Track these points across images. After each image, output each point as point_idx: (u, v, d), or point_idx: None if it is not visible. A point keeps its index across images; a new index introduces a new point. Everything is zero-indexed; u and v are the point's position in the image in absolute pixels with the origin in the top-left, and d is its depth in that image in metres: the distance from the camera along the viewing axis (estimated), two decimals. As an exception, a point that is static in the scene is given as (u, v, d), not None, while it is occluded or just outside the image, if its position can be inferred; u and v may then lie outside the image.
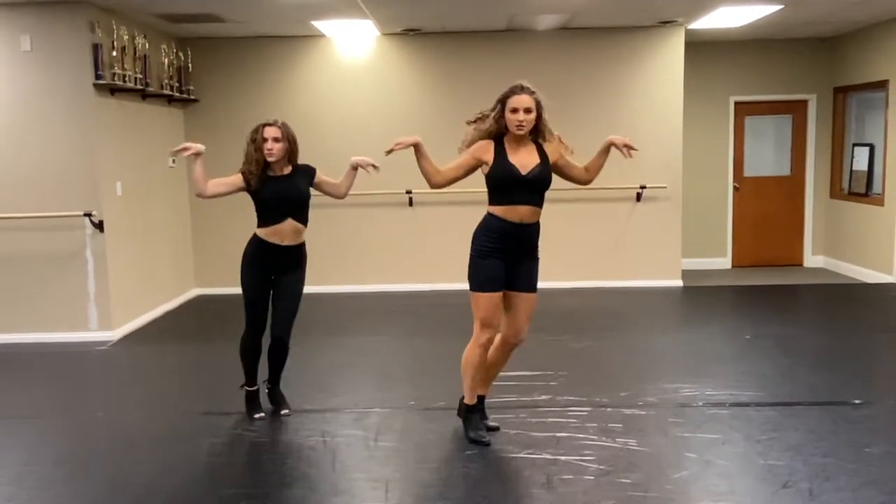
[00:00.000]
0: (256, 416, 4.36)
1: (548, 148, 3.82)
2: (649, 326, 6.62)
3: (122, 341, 6.30)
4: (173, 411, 4.64)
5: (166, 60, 7.21)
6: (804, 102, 9.34)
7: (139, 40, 6.60)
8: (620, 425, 4.11)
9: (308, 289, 7.79)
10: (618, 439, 3.92)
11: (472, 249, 3.82)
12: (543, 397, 4.61)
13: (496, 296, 3.77)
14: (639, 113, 7.99)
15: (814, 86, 9.25)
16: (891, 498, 3.20)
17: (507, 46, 7.90)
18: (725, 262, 9.51)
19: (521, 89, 3.71)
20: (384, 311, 7.37)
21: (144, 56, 6.69)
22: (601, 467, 3.59)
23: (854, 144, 8.87)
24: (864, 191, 8.54)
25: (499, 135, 3.78)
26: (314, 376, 5.21)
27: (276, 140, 4.11)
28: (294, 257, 4.27)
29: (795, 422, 4.12)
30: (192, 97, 7.75)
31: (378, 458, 3.83)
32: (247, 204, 7.94)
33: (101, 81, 6.07)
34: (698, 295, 7.83)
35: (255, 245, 4.24)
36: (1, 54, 6.01)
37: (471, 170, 3.86)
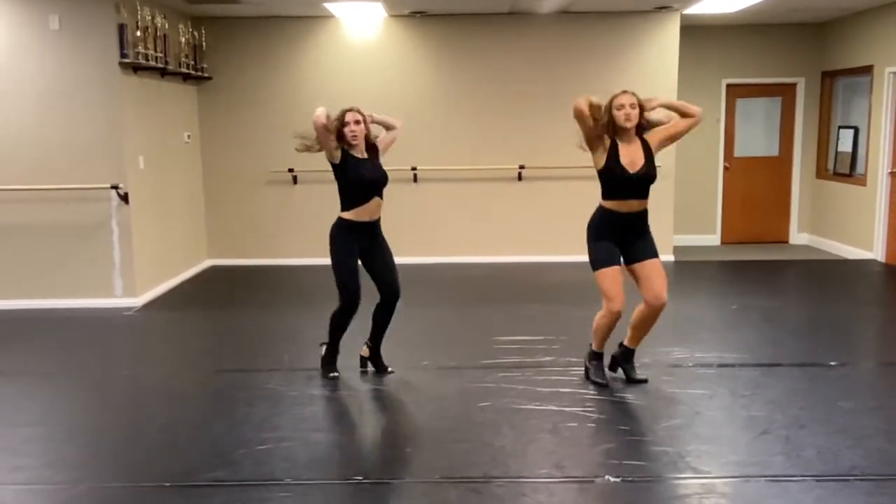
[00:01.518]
0: (331, 374, 4.65)
1: (651, 140, 4.24)
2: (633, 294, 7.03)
3: (146, 307, 6.66)
4: (201, 369, 5.01)
5: (183, 40, 7.50)
6: (793, 86, 9.71)
7: (159, 20, 6.90)
8: (619, 384, 4.51)
9: (316, 261, 8.26)
10: (615, 394, 4.33)
11: (587, 237, 4.35)
12: (547, 358, 5.01)
13: (614, 269, 4.26)
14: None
15: (802, 70, 9.62)
16: (857, 443, 3.62)
17: (510, 29, 8.23)
18: (714, 239, 9.92)
19: (623, 92, 4.19)
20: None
21: (164, 35, 6.98)
22: (601, 416, 4.00)
23: (839, 127, 9.27)
24: (848, 171, 8.95)
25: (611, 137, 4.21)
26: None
27: (357, 123, 4.44)
28: (377, 226, 4.63)
29: (775, 380, 4.54)
30: (206, 75, 8.04)
31: (398, 410, 4.22)
32: (256, 182, 8.35)
33: (126, 60, 6.37)
34: (688, 269, 8.23)
35: (346, 228, 4.49)
36: (31, 33, 6.30)
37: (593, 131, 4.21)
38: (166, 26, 7.03)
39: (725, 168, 9.83)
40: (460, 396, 4.35)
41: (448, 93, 8.36)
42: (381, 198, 4.56)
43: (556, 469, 3.42)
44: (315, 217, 8.45)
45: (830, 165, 9.43)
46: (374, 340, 4.74)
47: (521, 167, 8.32)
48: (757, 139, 9.92)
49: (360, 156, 4.48)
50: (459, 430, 3.89)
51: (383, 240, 4.65)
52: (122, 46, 6.34)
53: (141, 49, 6.55)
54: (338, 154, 4.43)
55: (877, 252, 8.30)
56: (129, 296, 6.66)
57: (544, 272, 7.90)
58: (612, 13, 8.19)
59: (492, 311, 6.42)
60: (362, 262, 4.57)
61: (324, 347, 4.74)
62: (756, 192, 9.91)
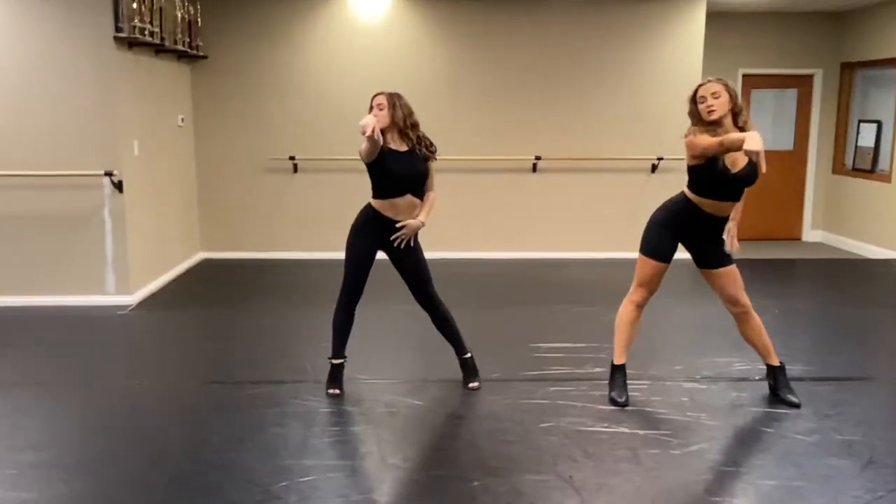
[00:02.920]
0: (330, 391, 4.16)
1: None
2: (673, 298, 6.59)
3: (141, 305, 6.10)
4: (214, 380, 4.49)
5: (179, 14, 6.90)
6: (810, 77, 9.39)
7: (156, -9, 6.30)
8: (686, 399, 4.11)
9: (317, 255, 7.74)
10: (688, 413, 3.92)
11: (655, 216, 3.96)
12: (597, 370, 4.57)
13: (659, 266, 3.91)
14: (657, 83, 7.93)
15: (820, 61, 9.30)
16: (976, 473, 3.25)
17: (527, 13, 7.75)
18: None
19: (705, 80, 3.75)
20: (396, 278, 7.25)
21: (160, 9, 6.39)
22: (682, 441, 3.58)
23: (860, 121, 8.97)
24: (869, 167, 8.66)
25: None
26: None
27: (379, 107, 4.01)
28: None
29: (853, 396, 4.18)
30: (201, 54, 7.45)
31: (451, 431, 3.76)
32: (254, 170, 7.78)
33: (121, 34, 5.78)
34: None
35: (369, 216, 4.08)
36: (20, 2, 5.67)
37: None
38: (163, -1, 6.43)
39: (739, 162, 9.48)
40: (516, 415, 3.90)
41: (460, 79, 7.87)
42: (419, 198, 4.07)
43: (652, 508, 3.00)
44: (317, 208, 7.94)
45: (849, 161, 9.14)
46: (456, 349, 4.31)
47: (538, 158, 7.86)
48: (771, 132, 9.58)
49: (394, 146, 4.03)
50: (527, 458, 3.44)
51: (415, 241, 4.18)
52: (116, 19, 5.75)
53: (137, 23, 5.95)
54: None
55: (903, 252, 8.03)
56: (123, 293, 6.09)
57: (562, 270, 7.48)
58: (635, -3, 7.76)
59: (518, 313, 5.99)
60: (390, 259, 4.17)
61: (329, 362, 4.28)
62: (768, 187, 9.52)
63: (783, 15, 9.04)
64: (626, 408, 3.98)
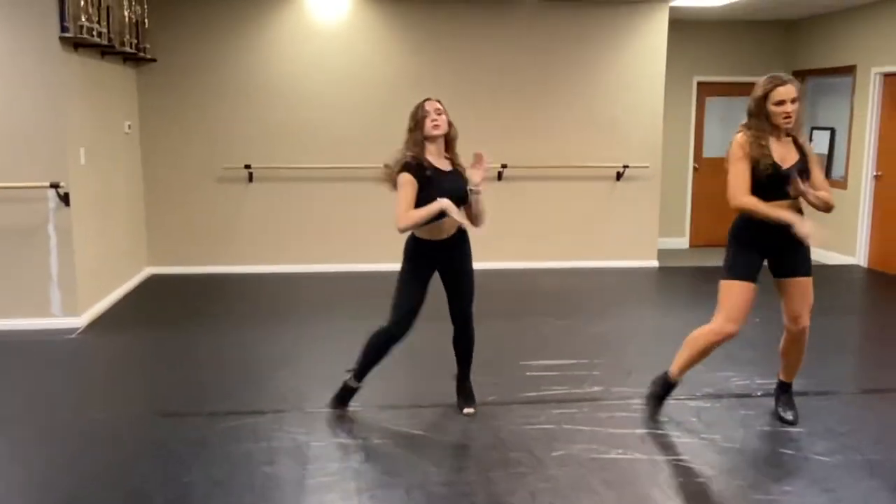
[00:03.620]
0: (338, 410, 4.02)
1: (804, 143, 3.60)
2: (652, 308, 6.57)
3: (90, 328, 5.63)
4: (182, 411, 4.10)
5: (126, 14, 6.43)
6: (762, 85, 9.48)
7: (102, -11, 5.84)
8: (695, 419, 3.96)
9: (272, 268, 7.36)
10: (702, 435, 3.76)
11: (729, 240, 3.68)
12: (596, 388, 4.40)
13: (746, 286, 3.57)
14: (621, 89, 7.86)
15: (773, 69, 9.30)
16: None
17: (492, 15, 7.56)
18: (683, 242, 9.60)
19: (782, 80, 3.45)
20: (368, 293, 6.94)
21: (108, 7, 5.93)
22: (704, 468, 3.41)
23: (813, 128, 9.09)
24: (824, 174, 8.76)
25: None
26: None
27: (438, 112, 3.69)
28: (456, 240, 3.80)
29: (862, 412, 4.10)
30: (149, 56, 6.98)
31: (460, 462, 3.50)
32: (205, 180, 7.33)
33: (67, 34, 5.31)
34: (678, 276, 7.83)
35: (419, 247, 3.76)
36: (-54, -3, 5.16)
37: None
38: (110, -4, 5.97)
39: (695, 169, 9.52)
40: (523, 443, 3.66)
41: (423, 83, 7.59)
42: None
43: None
44: (274, 219, 7.56)
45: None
46: (463, 372, 4.06)
47: (503, 166, 7.66)
48: (726, 139, 9.61)
49: (436, 163, 3.68)
50: (545, 491, 3.20)
51: (465, 255, 3.84)
52: (62, 18, 5.29)
53: (84, 22, 5.49)
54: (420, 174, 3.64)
55: (859, 257, 8.15)
56: (70, 314, 5.60)
57: (533, 279, 7.30)
58: (598, 2, 7.65)
59: (499, 327, 5.74)
60: (444, 279, 3.86)
61: (349, 375, 3.99)
62: (724, 193, 9.62)
63: (737, 23, 9.11)
64: (638, 431, 3.79)
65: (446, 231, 3.70)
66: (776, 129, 3.50)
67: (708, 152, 9.54)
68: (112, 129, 6.52)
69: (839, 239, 8.45)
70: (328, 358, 5.05)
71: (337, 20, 7.39)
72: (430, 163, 3.64)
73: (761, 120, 3.49)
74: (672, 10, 8.00)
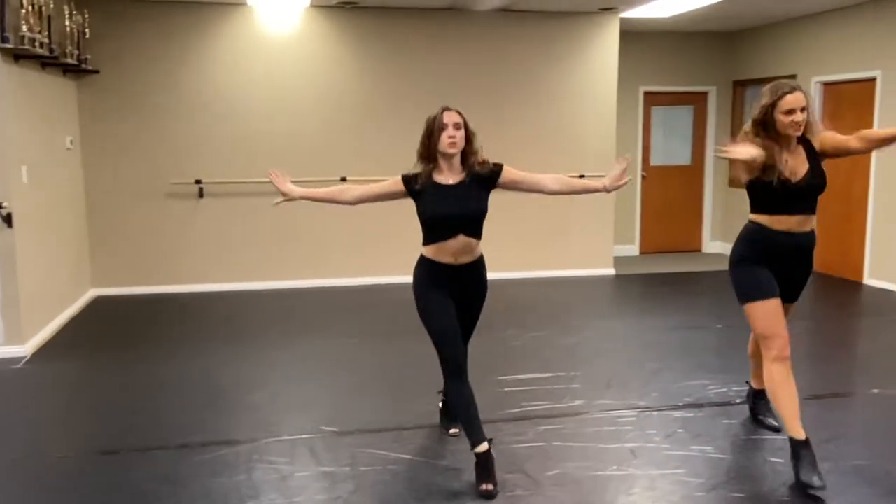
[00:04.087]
0: (452, 431, 3.83)
1: (816, 143, 3.36)
2: (618, 316, 6.61)
3: (37, 356, 5.30)
4: (140, 445, 3.87)
5: (68, 24, 6.13)
6: (704, 94, 9.70)
7: (44, -3, 5.54)
8: (681, 430, 3.94)
9: (224, 286, 7.10)
10: (692, 447, 3.73)
11: (732, 257, 3.52)
12: (578, 402, 4.35)
13: (770, 303, 3.34)
14: (575, 100, 7.90)
15: (714, 78, 9.63)
16: None
17: (447, 26, 7.51)
18: (634, 249, 9.71)
19: (791, 88, 3.24)
20: (316, 311, 6.78)
21: (49, 17, 5.63)
22: (700, 481, 3.38)
23: (755, 136, 9.32)
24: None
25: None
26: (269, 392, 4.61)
27: (457, 127, 3.26)
28: (475, 275, 3.45)
29: (839, 415, 4.16)
30: (91, 68, 6.66)
31: (447, 486, 3.38)
32: (153, 196, 7.03)
33: (6, 45, 5.01)
34: (634, 283, 7.91)
35: (425, 267, 3.43)
36: None
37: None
38: (51, 5, 5.66)
39: (643, 177, 9.65)
40: (516, 463, 3.56)
41: (376, 94, 7.49)
42: (475, 237, 3.39)
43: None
44: (226, 235, 7.31)
45: (744, 175, 9.47)
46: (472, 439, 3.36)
47: (460, 177, 7.59)
48: (671, 148, 9.83)
49: (443, 180, 3.32)
50: (546, 512, 3.13)
51: (476, 290, 3.48)
52: (1, 28, 4.98)
53: (25, 32, 5.19)
54: (422, 185, 3.37)
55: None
56: (15, 342, 5.27)
57: (495, 291, 7.16)
58: (551, 13, 7.68)
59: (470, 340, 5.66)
60: (454, 303, 3.44)
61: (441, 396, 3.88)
62: (671, 201, 9.81)
63: (681, 35, 9.29)
64: (628, 445, 3.75)
65: (452, 255, 3.36)
66: (784, 139, 3.29)
67: (655, 160, 9.71)
68: (54, 145, 6.19)
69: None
70: (298, 380, 4.89)
71: (288, 31, 7.21)
72: (430, 178, 3.32)
73: (767, 129, 3.28)
74: (621, 21, 8.10)
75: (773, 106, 3.25)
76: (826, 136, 3.38)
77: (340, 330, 6.06)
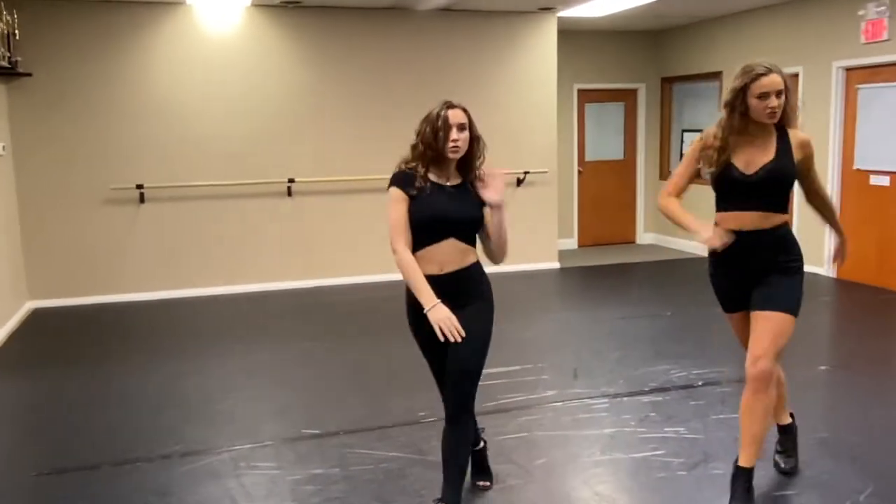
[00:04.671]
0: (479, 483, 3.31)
1: (794, 138, 3.02)
2: (570, 307, 6.83)
3: (-17, 375, 5.07)
4: (118, 459, 3.78)
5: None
6: (634, 91, 10.03)
7: (-24, -3, 5.30)
8: (654, 413, 4.10)
9: (168, 294, 6.94)
10: (666, 429, 3.90)
11: (708, 269, 3.24)
12: (550, 393, 4.47)
13: (733, 318, 3.15)
14: (517, 98, 8.04)
15: (643, 76, 9.96)
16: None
17: (390, 25, 7.53)
18: (573, 243, 9.95)
19: (766, 69, 2.89)
20: (267, 315, 6.71)
21: (-19, 17, 5.38)
22: (681, 460, 3.54)
23: (684, 130, 9.71)
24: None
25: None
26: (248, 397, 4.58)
27: (461, 128, 2.88)
28: (465, 285, 2.91)
29: (800, 392, 4.40)
30: (22, 70, 6.39)
31: (427, 480, 3.43)
32: (91, 203, 6.79)
33: (-59, 47, 4.77)
34: (578, 275, 8.13)
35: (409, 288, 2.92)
36: None
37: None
38: (-18, 6, 5.42)
39: (579, 172, 9.91)
40: (501, 453, 3.63)
41: (316, 93, 7.44)
42: (469, 243, 2.93)
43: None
44: (168, 240, 7.13)
45: (674, 167, 9.84)
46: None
47: (407, 176, 7.62)
48: (605, 143, 10.12)
49: (439, 179, 2.92)
50: (546, 502, 3.22)
51: (474, 305, 2.91)
52: (-65, 29, 4.74)
53: (-40, 34, 4.95)
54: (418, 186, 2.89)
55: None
56: (-42, 361, 5.02)
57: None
58: (492, 13, 7.80)
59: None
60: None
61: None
62: (606, 195, 10.10)
63: (611, 34, 9.58)
64: (606, 431, 3.88)
65: (438, 264, 2.87)
66: (758, 126, 2.95)
67: (589, 156, 9.98)
68: (-15, 152, 5.92)
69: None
70: (268, 386, 4.84)
71: (229, 31, 7.10)
72: (425, 177, 2.90)
73: (736, 116, 2.94)
74: (557, 20, 8.30)
75: (744, 89, 2.90)
76: (809, 151, 3.05)
77: (297, 332, 6.02)
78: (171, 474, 3.54)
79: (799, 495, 3.22)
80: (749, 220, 3.00)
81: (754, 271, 3.04)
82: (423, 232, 2.88)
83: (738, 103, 2.92)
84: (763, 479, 3.27)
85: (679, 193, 3.21)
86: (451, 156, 2.88)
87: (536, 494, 3.27)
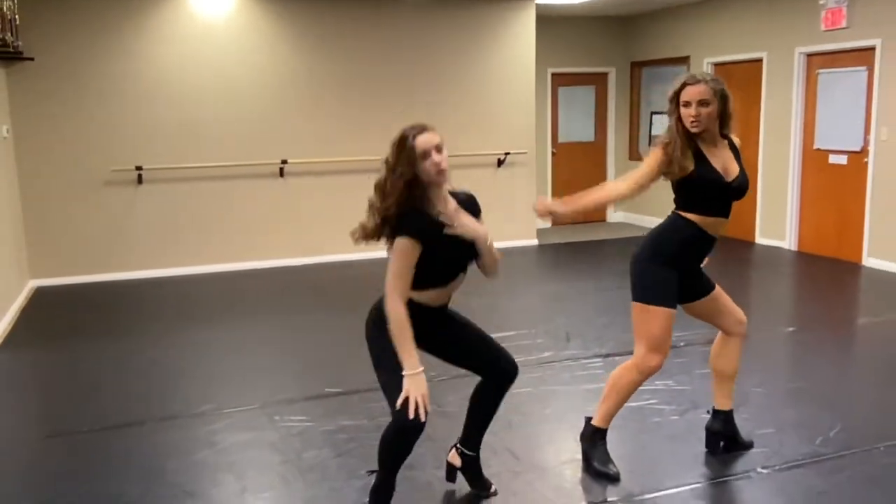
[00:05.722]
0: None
1: (739, 146, 3.22)
2: (554, 280, 7.25)
3: (-3, 350, 5.28)
4: (152, 415, 4.09)
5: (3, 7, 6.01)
6: (605, 75, 10.46)
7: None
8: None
9: (166, 272, 7.18)
10: (656, 382, 4.28)
11: (647, 254, 3.20)
12: (546, 354, 4.88)
13: (673, 314, 3.12)
14: (498, 83, 8.40)
15: (613, 60, 10.40)
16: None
17: (374, 13, 7.82)
18: (547, 222, 10.35)
19: (694, 79, 3.03)
20: (266, 291, 7.00)
21: (-11, 3, 5.55)
22: (672, 407, 3.98)
23: (653, 112, 10.18)
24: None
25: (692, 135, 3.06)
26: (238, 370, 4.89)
27: (438, 150, 2.67)
28: (442, 314, 2.94)
29: (758, 349, 4.88)
30: (24, 55, 6.55)
31: (438, 428, 3.81)
32: (91, 184, 6.99)
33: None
34: (556, 252, 8.56)
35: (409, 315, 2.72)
36: None
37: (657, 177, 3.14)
38: (-12, -9, 5.58)
39: (553, 154, 10.32)
40: (516, 408, 4.01)
41: (308, 78, 7.71)
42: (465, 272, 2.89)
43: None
44: (166, 220, 7.36)
45: (643, 148, 10.32)
46: (471, 443, 3.11)
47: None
48: (577, 126, 10.54)
49: (439, 209, 2.74)
50: (559, 439, 3.62)
51: (451, 320, 2.97)
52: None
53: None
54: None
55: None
56: (-23, 336, 5.24)
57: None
58: (477, 0, 8.12)
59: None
60: (436, 353, 2.97)
61: (373, 476, 2.93)
62: (579, 176, 10.45)
63: (583, 19, 9.98)
64: (603, 385, 4.28)
65: (447, 296, 2.89)
66: (707, 134, 3.06)
67: (562, 138, 10.40)
68: (-10, 135, 6.09)
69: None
70: (283, 351, 5.14)
71: (223, 16, 7.32)
72: (434, 217, 2.70)
73: (674, 120, 3.07)
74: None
75: (676, 96, 3.06)
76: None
77: (300, 305, 6.34)
78: (213, 427, 3.85)
79: (778, 432, 3.66)
80: (723, 225, 3.19)
81: (693, 267, 3.24)
82: (447, 270, 2.81)
83: (673, 108, 3.08)
84: (745, 420, 3.71)
85: (635, 190, 3.21)
86: (440, 179, 2.68)
87: (550, 436, 3.67)
